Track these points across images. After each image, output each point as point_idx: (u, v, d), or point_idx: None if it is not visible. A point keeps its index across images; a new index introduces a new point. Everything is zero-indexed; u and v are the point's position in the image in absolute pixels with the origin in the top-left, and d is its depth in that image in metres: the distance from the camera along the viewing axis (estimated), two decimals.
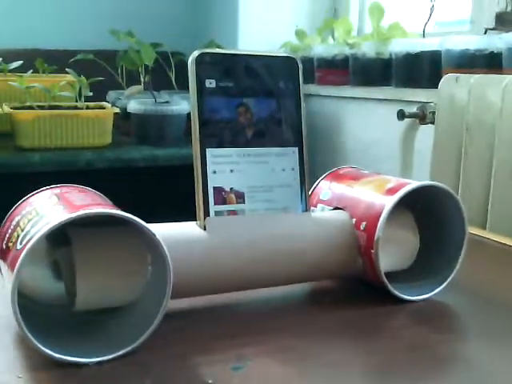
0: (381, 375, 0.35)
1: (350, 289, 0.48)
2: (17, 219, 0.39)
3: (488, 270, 0.56)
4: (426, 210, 0.49)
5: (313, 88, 1.80)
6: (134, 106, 1.64)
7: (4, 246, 0.39)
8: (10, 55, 1.85)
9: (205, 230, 0.42)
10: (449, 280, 0.47)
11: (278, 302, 0.46)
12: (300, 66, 0.46)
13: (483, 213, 0.89)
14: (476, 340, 0.41)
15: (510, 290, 0.50)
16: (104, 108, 1.63)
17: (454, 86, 0.94)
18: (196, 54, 0.43)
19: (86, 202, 0.38)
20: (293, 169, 0.46)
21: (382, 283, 0.45)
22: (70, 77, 1.61)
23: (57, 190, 0.42)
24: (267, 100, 0.45)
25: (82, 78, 1.56)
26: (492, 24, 1.04)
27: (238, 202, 0.44)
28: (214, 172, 0.43)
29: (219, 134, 0.43)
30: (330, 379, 0.34)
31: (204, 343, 0.38)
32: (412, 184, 0.46)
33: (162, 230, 0.40)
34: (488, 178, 0.89)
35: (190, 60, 0.43)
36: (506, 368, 0.37)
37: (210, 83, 0.43)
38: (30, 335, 0.34)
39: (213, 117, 0.43)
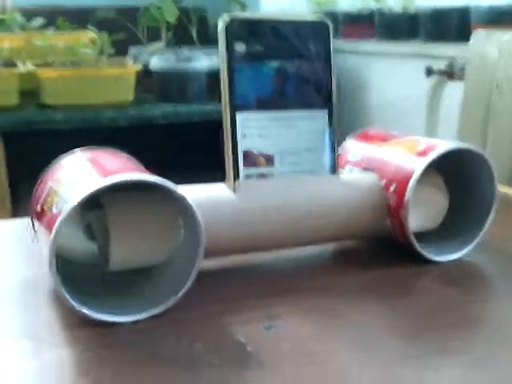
0: (412, 336, 0.36)
1: (379, 249, 0.49)
2: (50, 184, 0.40)
3: None
4: (456, 170, 0.48)
5: (337, 43, 1.76)
6: (155, 63, 1.64)
7: (39, 209, 0.40)
8: (32, 13, 1.84)
9: (235, 192, 0.43)
10: (477, 240, 0.47)
11: (307, 261, 0.47)
12: (331, 29, 0.46)
13: (511, 170, 0.88)
14: (506, 300, 0.41)
15: None
16: (126, 65, 1.62)
17: (485, 43, 0.92)
18: (226, 18, 0.42)
19: (119, 166, 0.39)
20: (322, 132, 0.46)
21: (410, 244, 0.45)
22: (92, 34, 1.60)
23: (88, 154, 0.42)
24: (297, 63, 0.45)
25: (104, 34, 1.55)
26: None
27: (267, 165, 0.44)
28: (244, 135, 0.43)
29: (249, 97, 0.43)
30: (358, 339, 0.35)
31: (235, 302, 0.39)
32: (443, 146, 0.45)
33: (193, 193, 0.40)
34: None
35: (220, 25, 0.42)
36: None
37: (240, 47, 0.43)
38: (68, 296, 0.35)
39: (242, 81, 0.43)
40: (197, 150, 1.93)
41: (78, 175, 0.38)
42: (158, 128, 1.67)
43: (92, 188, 0.35)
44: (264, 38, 0.44)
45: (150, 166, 0.42)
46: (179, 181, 0.41)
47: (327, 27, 0.46)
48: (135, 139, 1.74)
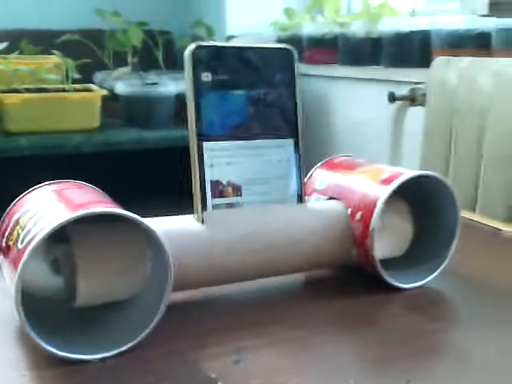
0: (377, 367, 0.36)
1: (345, 278, 0.49)
2: (16, 217, 0.40)
3: (480, 255, 0.57)
4: (419, 197, 0.49)
5: (302, 67, 1.79)
6: (122, 88, 1.63)
7: (4, 244, 0.39)
8: None
9: (203, 223, 0.43)
10: (443, 267, 0.48)
11: (274, 292, 0.47)
12: (295, 56, 0.46)
13: (473, 195, 0.90)
14: (470, 328, 0.42)
15: (502, 275, 0.51)
16: (91, 90, 1.61)
17: (446, 69, 0.94)
18: (192, 47, 0.43)
19: (86, 199, 0.39)
20: (289, 160, 0.46)
21: (377, 272, 0.46)
22: (57, 58, 1.59)
23: (54, 187, 0.42)
24: (263, 91, 0.45)
25: (69, 60, 1.54)
26: (485, 8, 1.04)
27: (235, 195, 0.44)
28: (211, 165, 0.43)
29: (216, 127, 0.44)
30: (328, 371, 0.35)
31: (204, 336, 0.39)
32: (406, 174, 0.46)
33: (161, 225, 0.40)
34: (478, 160, 0.89)
35: (186, 54, 0.43)
36: (501, 357, 0.38)
37: (206, 76, 0.43)
38: (34, 334, 0.34)
39: (209, 110, 0.43)
40: (164, 176, 1.93)
41: (44, 209, 0.38)
42: (124, 154, 1.66)
43: (58, 221, 0.35)
44: (230, 66, 0.44)
45: (116, 193, 0.42)
46: (146, 208, 0.41)
47: (292, 54, 0.46)
48: (101, 165, 1.73)
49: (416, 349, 0.38)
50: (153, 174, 1.93)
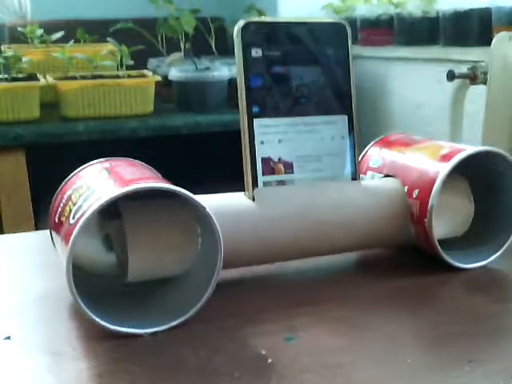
0: (436, 347, 0.34)
1: (403, 257, 0.48)
2: (68, 193, 0.40)
3: None
4: (481, 175, 0.47)
5: (356, 49, 1.76)
6: (175, 74, 1.64)
7: (56, 220, 0.39)
8: (52, 26, 1.86)
9: (253, 200, 0.42)
10: (505, 247, 0.46)
11: (328, 271, 0.46)
12: (349, 31, 0.45)
13: None
14: None
15: None
16: (145, 76, 1.63)
17: (508, 45, 0.90)
18: (241, 23, 0.42)
19: (136, 175, 0.38)
20: (342, 137, 0.45)
21: (435, 251, 0.44)
22: (111, 46, 1.62)
23: (106, 164, 0.42)
24: (315, 68, 0.44)
25: (123, 46, 1.56)
26: None
27: (286, 172, 0.43)
28: (262, 142, 0.42)
29: (266, 103, 0.43)
30: (383, 351, 0.34)
31: (255, 314, 0.38)
32: (467, 150, 0.44)
33: (212, 202, 0.40)
34: None
35: (236, 30, 0.42)
36: None
37: (256, 52, 0.42)
38: (85, 308, 0.34)
39: (259, 86, 0.42)
40: (218, 160, 1.93)
41: (95, 185, 0.38)
42: (178, 138, 1.67)
43: (109, 197, 0.35)
44: (281, 42, 0.43)
45: (171, 177, 0.41)
46: (200, 191, 0.41)
47: (345, 29, 0.45)
48: (156, 149, 1.75)
49: (478, 329, 0.36)
50: (206, 157, 1.94)
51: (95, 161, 0.43)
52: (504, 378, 0.31)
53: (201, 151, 1.90)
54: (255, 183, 0.42)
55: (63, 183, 0.42)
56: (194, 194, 0.37)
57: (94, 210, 0.34)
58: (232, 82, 1.66)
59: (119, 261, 0.40)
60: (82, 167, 0.43)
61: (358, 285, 0.43)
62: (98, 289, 0.40)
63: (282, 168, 0.43)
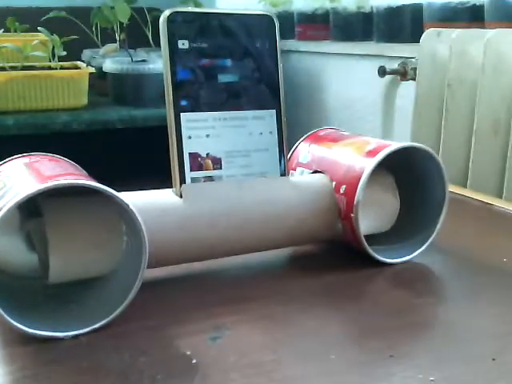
0: (361, 342, 0.35)
1: (330, 253, 0.48)
2: None
3: (469, 230, 0.55)
4: (406, 171, 0.48)
5: (293, 44, 1.77)
6: (110, 66, 1.60)
7: None
8: None
9: (181, 197, 0.41)
10: (429, 241, 0.47)
11: (256, 268, 0.45)
12: (277, 23, 0.45)
13: (464, 170, 0.88)
14: (456, 302, 0.41)
15: (491, 250, 0.50)
16: (79, 68, 1.58)
17: (436, 41, 0.92)
18: (167, 13, 0.41)
19: (57, 171, 0.37)
20: (271, 132, 0.45)
21: (362, 247, 0.44)
22: (43, 36, 1.56)
23: (26, 160, 0.40)
24: (243, 60, 0.44)
25: (55, 36, 1.51)
26: None
27: (214, 168, 0.43)
28: (190, 137, 0.42)
29: (194, 97, 0.42)
30: (307, 347, 0.34)
31: (181, 313, 0.38)
32: (392, 146, 0.45)
33: (137, 199, 0.39)
34: (469, 134, 0.88)
35: (162, 19, 0.41)
36: (486, 330, 0.36)
37: (183, 44, 0.41)
38: (2, 312, 0.33)
39: (186, 79, 0.42)
40: (152, 154, 1.91)
41: (12, 181, 0.37)
42: (112, 132, 1.63)
43: (26, 193, 0.33)
44: (209, 34, 0.42)
45: (105, 173, 0.40)
46: (135, 188, 0.40)
47: (273, 22, 0.44)
48: (89, 144, 1.71)
49: (401, 323, 0.37)
50: (141, 152, 1.91)
51: (14, 156, 0.42)
52: (423, 372, 0.31)
53: (136, 146, 1.87)
54: (183, 179, 0.41)
55: None
56: (128, 190, 0.36)
57: (10, 207, 0.33)
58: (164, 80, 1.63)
59: (41, 261, 0.39)
60: (0, 163, 0.41)
61: (286, 281, 0.43)
62: (19, 290, 0.38)
63: (211, 163, 0.43)
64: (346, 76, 1.62)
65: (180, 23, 0.41)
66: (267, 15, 0.45)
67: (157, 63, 1.63)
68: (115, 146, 1.86)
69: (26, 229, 0.39)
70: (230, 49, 0.43)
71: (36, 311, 0.36)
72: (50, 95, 1.50)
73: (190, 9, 0.43)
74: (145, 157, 1.82)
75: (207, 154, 0.42)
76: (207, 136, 0.42)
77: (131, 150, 1.90)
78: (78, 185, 0.35)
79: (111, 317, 0.36)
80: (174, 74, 0.41)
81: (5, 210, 0.33)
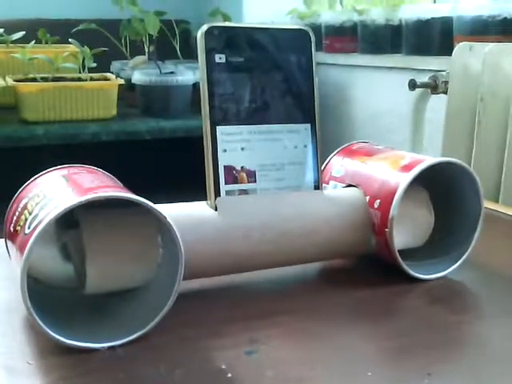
0: (396, 359, 0.35)
1: (364, 268, 0.48)
2: (24, 202, 0.39)
3: (503, 246, 0.55)
4: (441, 186, 0.48)
5: (320, 56, 1.77)
6: (138, 77, 1.62)
7: (12, 229, 0.38)
8: (12, 26, 1.82)
9: (216, 210, 0.41)
10: (464, 257, 0.46)
11: (290, 282, 0.45)
12: (312, 38, 0.45)
13: (496, 186, 0.87)
14: (493, 319, 0.40)
15: None
16: (108, 79, 1.61)
17: (468, 55, 0.92)
18: (205, 27, 0.41)
19: (95, 183, 0.37)
20: (305, 146, 0.45)
21: (396, 262, 0.44)
22: (73, 47, 1.59)
23: (64, 171, 0.41)
24: (279, 75, 0.44)
25: (86, 48, 1.54)
26: None
27: (249, 181, 0.43)
28: (225, 150, 0.42)
29: (229, 110, 0.42)
30: (344, 363, 0.34)
31: (216, 326, 0.38)
32: (427, 160, 0.44)
33: (173, 211, 0.39)
34: (502, 148, 0.87)
35: (199, 34, 0.41)
36: None
37: (220, 58, 0.42)
38: (40, 322, 0.33)
39: (223, 93, 0.42)
40: (180, 166, 1.92)
41: (52, 193, 0.37)
42: (141, 143, 1.65)
43: (66, 205, 0.34)
44: (245, 48, 0.43)
45: (132, 183, 0.41)
46: (161, 199, 0.40)
47: (308, 36, 0.45)
48: (118, 155, 1.73)
49: (437, 341, 0.36)
50: (169, 163, 1.93)
51: (53, 168, 0.42)
52: None
53: (164, 157, 1.88)
54: (217, 192, 0.42)
55: (19, 191, 0.41)
56: (155, 201, 0.36)
57: (51, 219, 0.33)
58: (197, 87, 1.65)
59: (77, 272, 0.39)
60: (38, 174, 0.42)
61: (319, 296, 0.43)
62: (54, 301, 0.38)
63: (245, 176, 0.43)
64: (374, 89, 1.62)
65: (217, 37, 0.42)
66: (303, 30, 0.45)
67: (185, 75, 1.64)
68: (143, 156, 1.88)
69: (63, 240, 0.40)
70: (266, 63, 0.43)
71: (72, 322, 0.37)
72: (79, 106, 1.53)
73: (227, 24, 0.43)
74: (172, 167, 1.84)
75: (242, 167, 0.43)
76: (242, 149, 0.43)
77: (158, 161, 1.92)
78: (118, 197, 0.35)
79: (147, 328, 0.36)
80: (210, 87, 0.41)
81: (46, 221, 0.33)
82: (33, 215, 0.36)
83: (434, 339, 0.37)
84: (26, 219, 0.36)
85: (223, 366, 0.33)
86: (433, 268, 0.46)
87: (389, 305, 0.42)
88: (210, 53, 0.41)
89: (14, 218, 0.38)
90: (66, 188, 0.37)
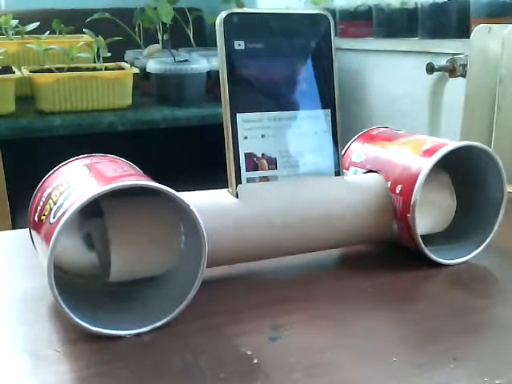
0: (420, 344, 0.35)
1: (385, 253, 0.48)
2: (48, 191, 0.39)
3: None
4: (462, 170, 0.47)
5: (335, 41, 1.75)
6: (153, 66, 1.62)
7: (36, 219, 0.39)
8: (27, 17, 1.83)
9: (237, 197, 0.41)
10: (487, 242, 0.46)
11: (312, 268, 0.45)
12: (332, 23, 0.44)
13: None
14: None
15: None
16: (123, 68, 1.61)
17: (487, 37, 0.91)
18: (224, 14, 0.41)
19: (118, 172, 0.38)
20: (325, 132, 0.45)
21: (418, 247, 0.44)
22: (88, 37, 1.59)
23: (87, 161, 0.41)
24: (298, 60, 0.44)
25: (100, 38, 1.54)
26: None
27: (269, 168, 0.43)
28: (246, 137, 0.42)
29: (249, 97, 0.42)
30: (368, 349, 0.34)
31: (238, 313, 0.38)
32: (450, 145, 0.44)
33: (195, 199, 0.39)
34: None
35: (218, 21, 0.41)
36: None
37: (239, 45, 0.42)
38: (67, 310, 0.34)
39: (242, 80, 0.42)
40: (196, 154, 1.92)
41: (76, 182, 0.37)
42: (156, 132, 1.66)
43: (89, 195, 0.34)
44: (264, 34, 0.42)
45: (150, 171, 0.41)
46: (178, 186, 0.40)
47: (327, 21, 0.44)
48: (134, 144, 1.73)
49: (461, 325, 0.36)
50: (185, 151, 1.93)
51: (75, 157, 0.42)
52: (489, 375, 0.31)
53: (180, 145, 1.88)
54: (239, 179, 0.42)
55: (43, 180, 0.41)
56: (176, 188, 0.36)
57: (76, 208, 0.34)
58: (211, 75, 1.65)
59: (101, 260, 0.39)
60: (61, 164, 0.42)
61: (341, 281, 0.43)
62: (78, 289, 0.39)
63: (266, 163, 0.43)
64: (390, 73, 1.60)
65: (236, 24, 0.42)
66: (322, 14, 0.45)
67: (199, 63, 1.64)
68: (159, 145, 1.88)
69: (87, 228, 0.40)
70: (285, 49, 0.43)
71: (97, 310, 0.37)
72: (95, 96, 1.53)
73: (246, 10, 0.43)
74: (188, 155, 1.84)
75: (262, 154, 0.43)
76: (262, 136, 0.43)
77: (174, 149, 1.92)
78: (142, 186, 0.35)
79: (172, 315, 0.36)
80: (230, 74, 0.41)
81: (71, 211, 0.34)
82: (58, 205, 0.36)
83: (459, 324, 0.37)
84: (51, 209, 0.36)
85: (249, 352, 0.33)
86: (455, 253, 0.46)
87: (411, 290, 0.42)
88: (228, 40, 0.41)
89: (39, 207, 0.39)
90: (89, 177, 0.38)
